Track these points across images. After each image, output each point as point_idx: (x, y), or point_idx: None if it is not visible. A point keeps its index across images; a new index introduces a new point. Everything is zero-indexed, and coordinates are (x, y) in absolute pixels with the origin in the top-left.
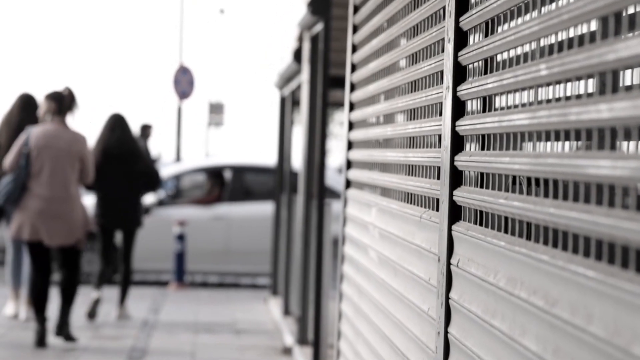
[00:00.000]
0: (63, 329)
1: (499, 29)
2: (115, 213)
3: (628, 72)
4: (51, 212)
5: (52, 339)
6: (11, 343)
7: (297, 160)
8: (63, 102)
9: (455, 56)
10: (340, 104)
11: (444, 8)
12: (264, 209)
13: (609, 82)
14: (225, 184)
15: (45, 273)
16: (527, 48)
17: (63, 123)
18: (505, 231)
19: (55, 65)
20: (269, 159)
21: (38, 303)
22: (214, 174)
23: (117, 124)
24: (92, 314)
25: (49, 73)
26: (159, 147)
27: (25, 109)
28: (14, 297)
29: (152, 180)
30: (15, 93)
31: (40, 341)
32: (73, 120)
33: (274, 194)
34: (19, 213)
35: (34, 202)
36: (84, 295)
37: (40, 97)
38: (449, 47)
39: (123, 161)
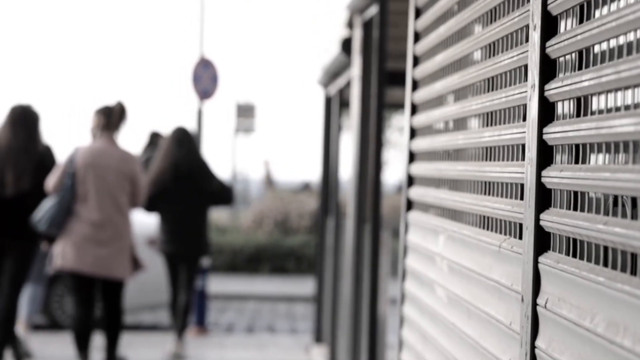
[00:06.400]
0: None
1: (597, 13)
2: (182, 238)
3: None
4: (99, 238)
5: None
6: None
7: (346, 174)
8: (112, 117)
9: (543, 47)
10: (399, 106)
11: None
12: None
13: None
14: None
15: (90, 306)
16: (631, 37)
17: (112, 140)
18: (605, 264)
19: (57, 64)
20: None
21: (82, 340)
22: None
23: (183, 138)
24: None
25: (49, 71)
26: None
27: (20, 124)
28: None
29: (226, 197)
30: (20, 98)
31: None
32: (120, 137)
33: None
34: (62, 240)
35: (80, 227)
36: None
37: (37, 106)
38: (535, 35)
39: (191, 179)
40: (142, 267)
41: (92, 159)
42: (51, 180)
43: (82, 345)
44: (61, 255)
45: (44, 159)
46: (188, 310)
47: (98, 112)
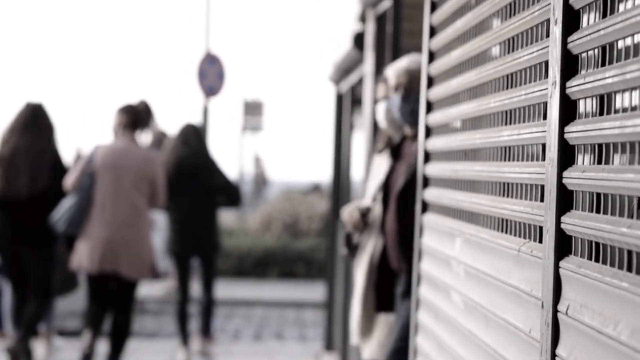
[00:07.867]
0: None
1: (621, 7)
2: (190, 237)
3: None
4: (118, 240)
5: None
6: None
7: (358, 175)
8: (136, 116)
9: (564, 42)
10: None
11: None
12: None
13: None
14: None
15: (104, 306)
16: None
17: (133, 140)
18: (629, 269)
19: (59, 61)
20: None
21: (94, 327)
22: None
23: (191, 135)
24: None
25: (52, 69)
26: None
27: (39, 125)
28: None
29: (232, 196)
30: (19, 95)
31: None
32: (145, 137)
33: None
34: (82, 241)
35: (98, 228)
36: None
37: (47, 103)
38: (556, 30)
39: (199, 176)
40: (159, 276)
41: (112, 159)
42: (70, 179)
43: (95, 330)
44: (80, 257)
45: (58, 159)
46: (210, 309)
47: (121, 110)
